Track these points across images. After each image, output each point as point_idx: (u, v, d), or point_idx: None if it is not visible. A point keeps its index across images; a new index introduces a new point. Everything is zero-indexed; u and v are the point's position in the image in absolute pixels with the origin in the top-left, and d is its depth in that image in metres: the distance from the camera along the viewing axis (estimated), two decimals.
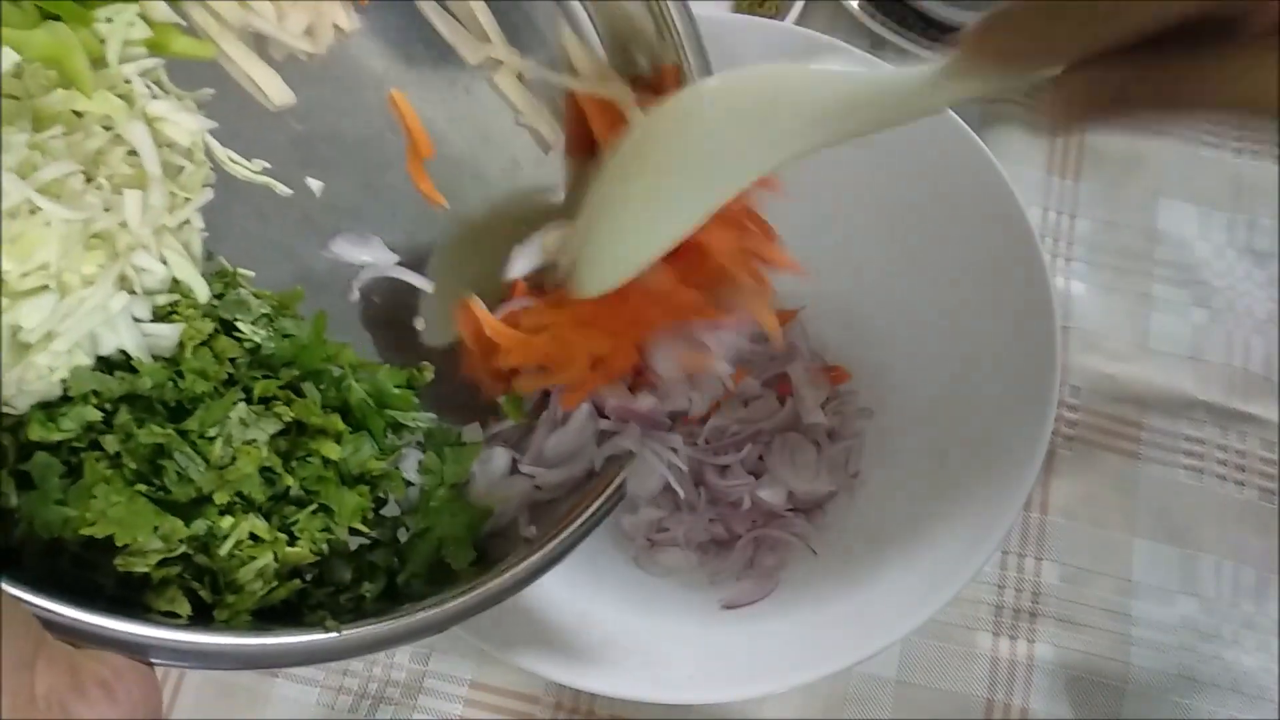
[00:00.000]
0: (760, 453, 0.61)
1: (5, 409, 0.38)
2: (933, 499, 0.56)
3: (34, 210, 0.38)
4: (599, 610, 0.55)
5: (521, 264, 0.51)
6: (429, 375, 0.48)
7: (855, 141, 0.60)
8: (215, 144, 0.45)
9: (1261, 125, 0.72)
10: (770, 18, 0.74)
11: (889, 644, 0.51)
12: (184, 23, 0.45)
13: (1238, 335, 0.69)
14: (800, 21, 0.75)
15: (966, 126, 0.59)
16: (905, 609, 0.52)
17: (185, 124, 0.43)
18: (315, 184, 0.49)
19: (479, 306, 0.49)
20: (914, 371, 0.61)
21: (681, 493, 0.54)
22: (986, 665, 0.61)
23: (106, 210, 0.40)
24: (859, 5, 0.77)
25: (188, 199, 0.43)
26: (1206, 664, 0.61)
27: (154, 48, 0.44)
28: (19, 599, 0.34)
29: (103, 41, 0.42)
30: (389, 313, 0.50)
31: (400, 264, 0.51)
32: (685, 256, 0.48)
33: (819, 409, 0.61)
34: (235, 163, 0.46)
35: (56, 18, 0.41)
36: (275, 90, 0.47)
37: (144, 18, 0.43)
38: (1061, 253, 0.71)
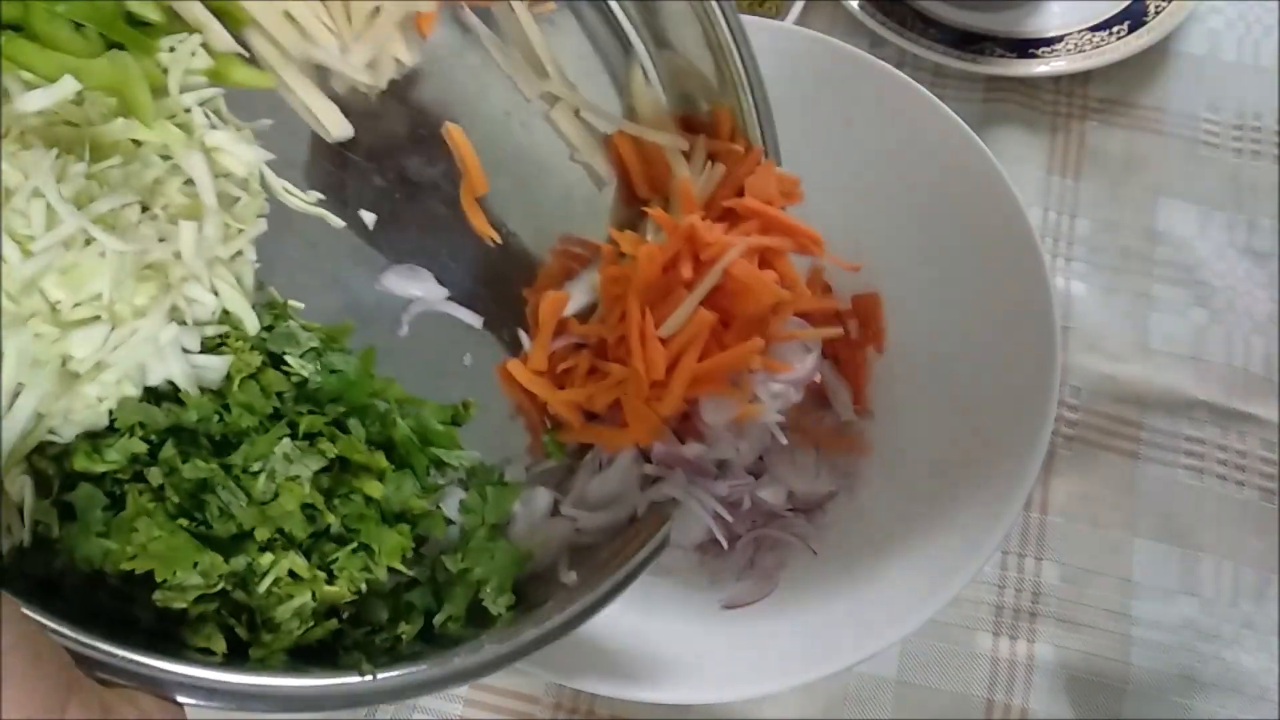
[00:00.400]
0: (760, 453, 0.61)
1: (51, 438, 0.38)
2: (932, 499, 0.56)
3: (89, 241, 0.38)
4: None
5: (574, 301, 0.51)
6: (474, 412, 0.48)
7: (853, 142, 0.60)
8: (271, 175, 0.45)
9: None
10: (770, 17, 0.74)
11: (889, 644, 0.52)
12: (245, 53, 0.45)
13: (1237, 335, 0.69)
14: (800, 21, 0.75)
15: (967, 127, 0.59)
16: (905, 609, 0.52)
17: (243, 155, 0.43)
18: (369, 216, 0.48)
19: (518, 368, 0.49)
20: (913, 371, 0.61)
21: (725, 544, 0.53)
22: (986, 665, 0.61)
23: (161, 241, 0.40)
24: (858, 5, 0.77)
25: (241, 230, 0.43)
26: (1206, 664, 0.61)
27: (214, 77, 0.44)
28: (56, 632, 0.34)
29: (165, 71, 0.42)
30: (439, 346, 0.50)
31: (450, 299, 0.50)
32: (721, 294, 0.47)
33: (850, 405, 0.61)
34: (290, 194, 0.46)
35: (120, 46, 0.41)
36: (334, 122, 0.47)
37: (206, 47, 0.43)
38: (1062, 253, 0.71)
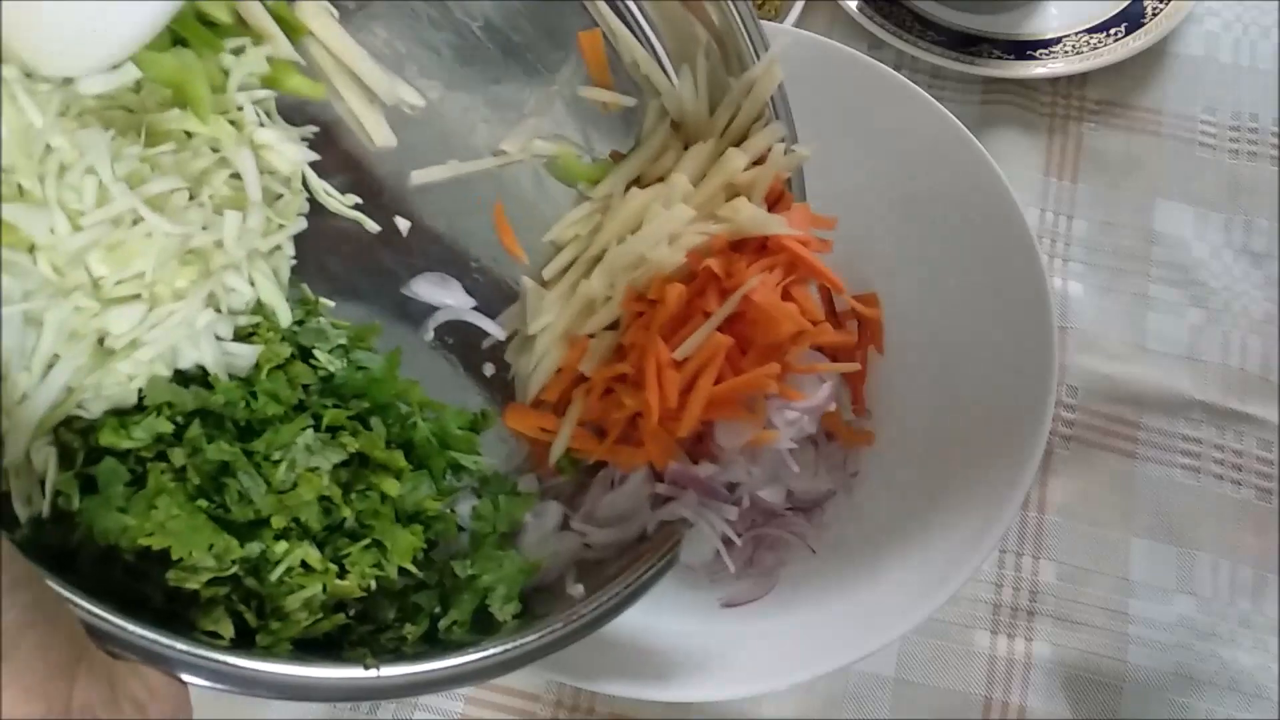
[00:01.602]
0: (773, 478, 0.61)
1: (79, 412, 0.39)
2: (931, 498, 0.56)
3: (136, 221, 0.38)
4: None
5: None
6: (492, 422, 0.49)
7: (851, 144, 0.61)
8: (313, 176, 0.46)
9: None
10: (770, 20, 0.74)
11: (888, 642, 0.52)
12: (302, 61, 0.46)
13: (1234, 336, 0.69)
14: (799, 23, 0.75)
15: (965, 129, 0.59)
16: (904, 607, 0.52)
17: (289, 154, 0.44)
18: (403, 223, 0.49)
19: (521, 417, 0.51)
20: (912, 371, 0.61)
21: (733, 568, 0.54)
22: (984, 663, 0.61)
23: (205, 228, 0.40)
24: (857, 7, 0.77)
25: (282, 225, 0.44)
26: (1204, 662, 0.61)
27: (270, 82, 0.45)
28: (69, 601, 0.35)
29: (226, 72, 0.43)
30: (461, 355, 0.51)
31: (476, 309, 0.51)
32: (742, 321, 0.47)
33: (849, 405, 0.62)
34: (330, 196, 0.47)
35: (184, 42, 0.42)
36: (379, 132, 0.48)
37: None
38: (1059, 253, 0.72)
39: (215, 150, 0.42)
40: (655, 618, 0.56)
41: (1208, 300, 0.70)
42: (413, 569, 0.43)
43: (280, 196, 0.44)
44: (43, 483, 0.38)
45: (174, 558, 0.38)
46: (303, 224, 0.45)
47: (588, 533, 0.51)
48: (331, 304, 0.46)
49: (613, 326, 0.51)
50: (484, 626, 0.45)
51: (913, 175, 0.61)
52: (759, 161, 0.52)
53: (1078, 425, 0.67)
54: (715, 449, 0.51)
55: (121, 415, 0.39)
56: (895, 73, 0.61)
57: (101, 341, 0.39)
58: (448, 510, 0.46)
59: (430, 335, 0.50)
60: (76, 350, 0.38)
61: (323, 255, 0.47)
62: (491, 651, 0.43)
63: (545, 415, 0.51)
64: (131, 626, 0.36)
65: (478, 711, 0.60)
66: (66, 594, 0.35)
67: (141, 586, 0.39)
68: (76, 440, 0.39)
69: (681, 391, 0.48)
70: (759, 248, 0.50)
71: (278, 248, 0.44)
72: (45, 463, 0.38)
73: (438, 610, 0.45)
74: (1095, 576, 0.63)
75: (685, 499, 0.50)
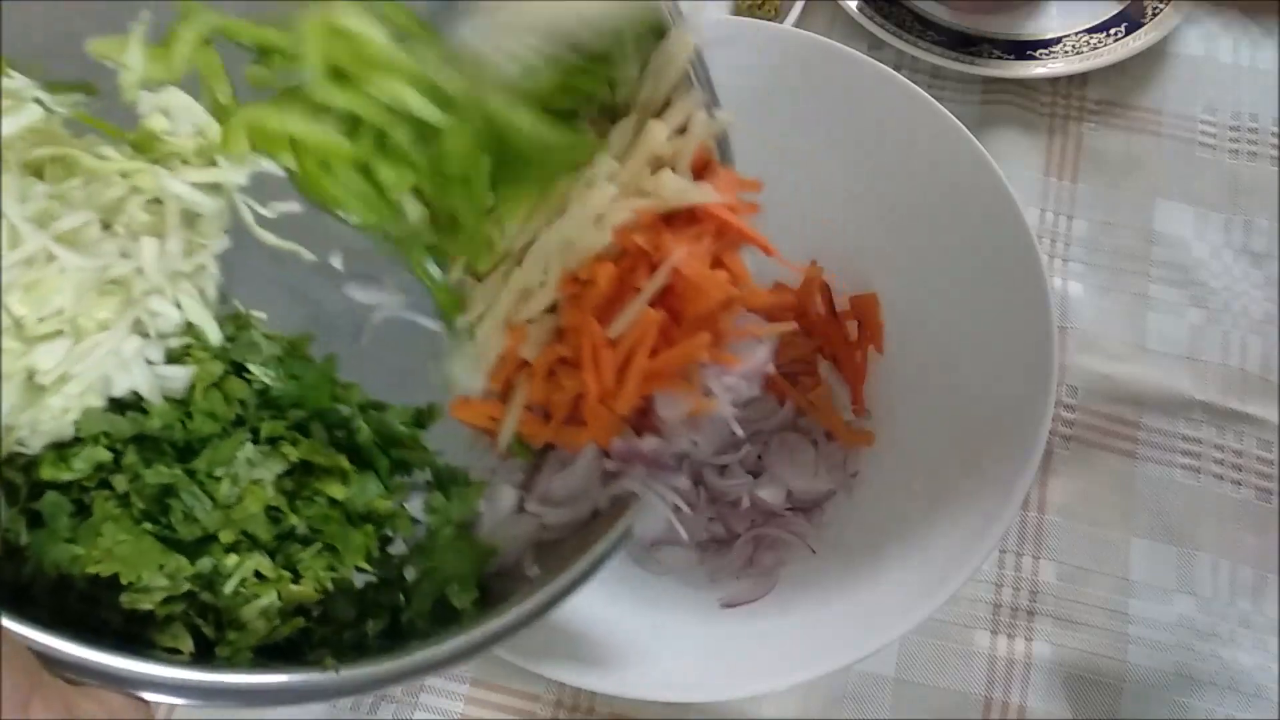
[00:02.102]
0: (759, 452, 0.61)
1: (19, 449, 0.39)
2: (931, 498, 0.56)
3: (51, 258, 0.39)
4: (599, 609, 0.55)
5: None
6: (439, 415, 0.49)
7: (851, 144, 0.60)
8: (244, 205, 0.46)
9: None
10: (769, 20, 0.75)
11: (888, 642, 0.52)
12: None
13: (1234, 335, 0.69)
14: (799, 23, 0.75)
15: (964, 128, 0.59)
16: (904, 607, 0.52)
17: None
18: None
19: (467, 409, 0.50)
20: (911, 371, 0.61)
21: (685, 536, 0.54)
22: (984, 663, 0.61)
23: (124, 257, 0.41)
24: (857, 7, 0.77)
25: (204, 245, 0.44)
26: (1204, 662, 0.61)
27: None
28: (21, 636, 0.35)
29: None
30: (404, 351, 0.51)
31: (411, 304, 0.51)
32: (673, 295, 0.47)
33: (848, 405, 0.62)
34: (262, 229, 0.47)
35: None
36: None
37: None
38: (1059, 253, 0.72)
39: (126, 175, 0.42)
40: (656, 618, 0.56)
41: (1208, 300, 0.70)
42: (367, 567, 0.44)
43: (200, 216, 0.44)
44: None
45: (123, 582, 0.38)
46: (226, 241, 0.45)
47: (543, 513, 0.50)
48: (264, 315, 0.46)
49: (554, 309, 0.51)
50: (445, 615, 0.45)
51: (913, 175, 0.61)
52: (685, 133, 0.52)
53: (1078, 425, 0.67)
54: (658, 422, 0.51)
55: (61, 448, 0.40)
56: (895, 73, 0.61)
57: (31, 378, 0.39)
58: (399, 506, 0.46)
59: (369, 336, 0.50)
60: (8, 390, 0.38)
61: (252, 268, 0.47)
62: (451, 643, 0.43)
63: (492, 404, 0.51)
64: (82, 652, 0.36)
65: (478, 711, 0.60)
66: (17, 627, 0.35)
67: (98, 611, 0.39)
68: (19, 476, 0.40)
69: (618, 369, 0.48)
70: (690, 218, 0.50)
71: (202, 267, 0.44)
72: None
73: (399, 604, 0.45)
74: (1095, 576, 0.63)
75: (633, 473, 0.51)
